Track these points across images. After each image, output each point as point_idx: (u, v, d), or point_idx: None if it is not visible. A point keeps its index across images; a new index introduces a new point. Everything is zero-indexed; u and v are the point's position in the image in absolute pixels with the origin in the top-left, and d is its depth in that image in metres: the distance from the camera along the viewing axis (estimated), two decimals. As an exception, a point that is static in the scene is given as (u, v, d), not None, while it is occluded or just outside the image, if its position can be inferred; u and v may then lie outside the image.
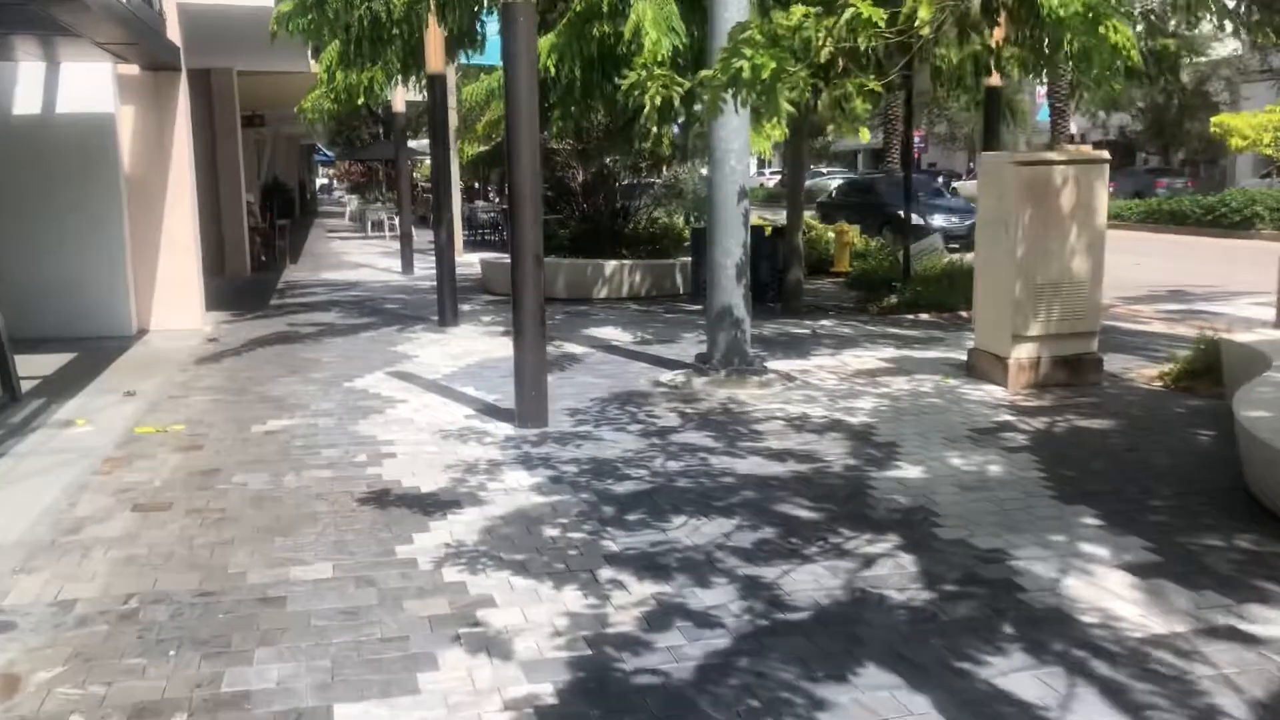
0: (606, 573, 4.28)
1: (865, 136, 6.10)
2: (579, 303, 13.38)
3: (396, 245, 22.93)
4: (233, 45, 14.25)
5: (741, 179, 8.06)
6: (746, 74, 4.26)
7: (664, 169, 15.27)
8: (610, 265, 13.80)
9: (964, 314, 11.74)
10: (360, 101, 11.03)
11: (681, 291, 14.03)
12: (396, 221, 26.12)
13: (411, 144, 29.12)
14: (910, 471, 5.71)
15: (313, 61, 17.67)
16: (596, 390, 7.97)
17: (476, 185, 30.56)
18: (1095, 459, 5.95)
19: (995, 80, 12.52)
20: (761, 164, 64.43)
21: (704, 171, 24.57)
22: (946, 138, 53.63)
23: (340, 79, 11.11)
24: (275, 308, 13.20)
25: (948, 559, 4.40)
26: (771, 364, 8.56)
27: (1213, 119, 24.10)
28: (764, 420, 6.92)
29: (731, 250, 8.08)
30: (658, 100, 4.78)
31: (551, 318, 10.96)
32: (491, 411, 7.26)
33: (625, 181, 15.05)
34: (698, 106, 6.42)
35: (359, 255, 21.66)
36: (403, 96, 17.63)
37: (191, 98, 17.29)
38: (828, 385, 8.01)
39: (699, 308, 12.74)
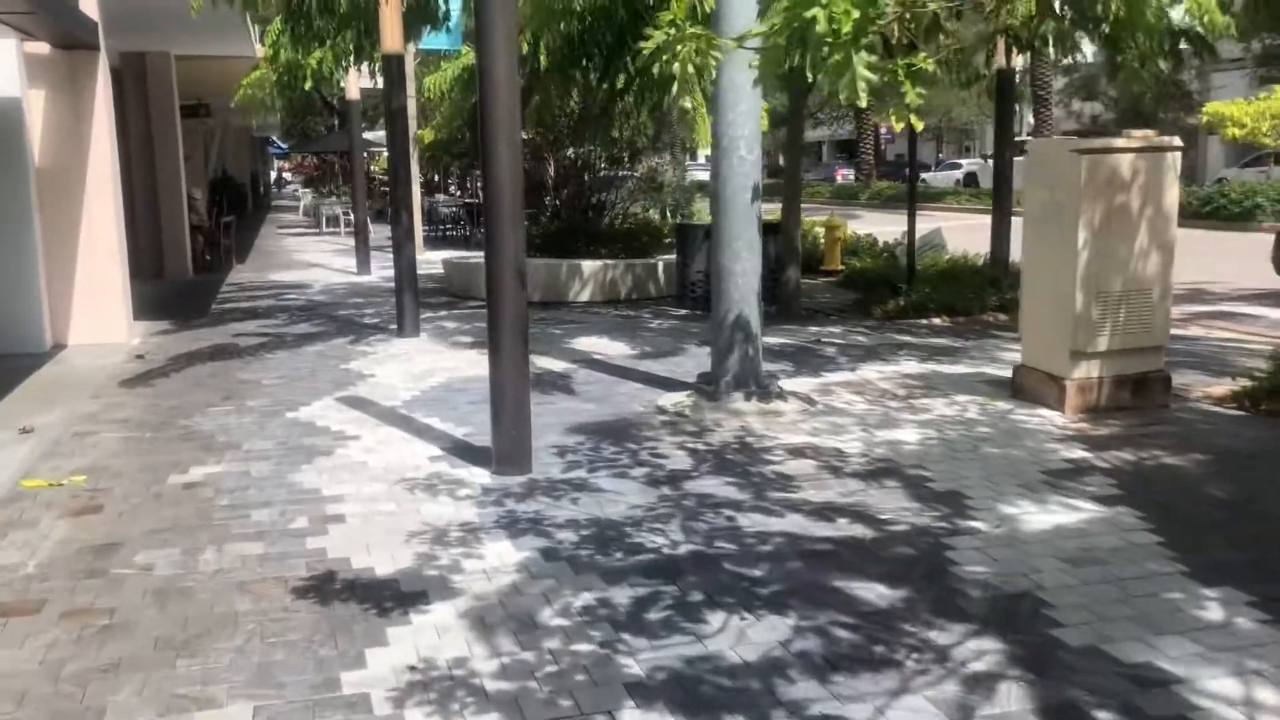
0: (632, 718, 3.10)
1: (918, 124, 5.04)
2: (555, 307, 12.17)
3: (352, 243, 21.61)
4: (165, 25, 12.87)
5: (753, 171, 6.89)
6: (821, 27, 3.08)
7: (639, 160, 14.07)
8: (588, 266, 12.60)
9: (985, 318, 10.68)
10: (308, 85, 9.72)
11: (665, 293, 12.86)
12: (352, 217, 24.80)
13: (367, 135, 27.73)
14: (990, 534, 4.58)
15: (259, 45, 16.31)
16: (585, 418, 6.78)
17: (436, 178, 29.17)
18: (1211, 512, 4.85)
19: (1005, 62, 11.46)
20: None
21: (692, 162, 23.45)
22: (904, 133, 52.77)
23: (284, 56, 9.81)
24: (216, 315, 11.87)
25: (1089, 681, 3.27)
26: (784, 383, 7.41)
27: (1206, 106, 23.28)
28: (792, 458, 5.77)
29: (742, 255, 6.91)
30: (689, 67, 3.60)
31: None
32: (463, 451, 6.05)
33: (601, 174, 13.84)
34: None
35: (312, 253, 20.28)
36: (356, 83, 16.30)
37: (124, 84, 15.92)
38: (855, 410, 6.86)
39: (686, 312, 11.60)
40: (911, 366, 8.28)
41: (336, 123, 38.90)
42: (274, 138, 51.54)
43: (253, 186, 41.34)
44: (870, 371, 8.12)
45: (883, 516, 4.82)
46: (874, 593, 3.95)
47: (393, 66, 9.76)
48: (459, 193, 32.16)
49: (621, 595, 3.95)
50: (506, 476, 5.51)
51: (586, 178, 13.66)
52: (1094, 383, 6.66)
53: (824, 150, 65.99)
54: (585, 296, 12.59)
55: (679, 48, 3.56)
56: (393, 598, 3.96)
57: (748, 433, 6.35)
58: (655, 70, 3.64)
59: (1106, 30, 7.50)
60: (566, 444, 6.17)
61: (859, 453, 5.87)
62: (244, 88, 10.15)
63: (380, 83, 20.77)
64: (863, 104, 3.50)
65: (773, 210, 12.67)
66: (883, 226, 20.86)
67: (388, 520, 4.85)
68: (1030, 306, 7.01)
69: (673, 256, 13.31)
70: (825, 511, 4.89)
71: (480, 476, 5.54)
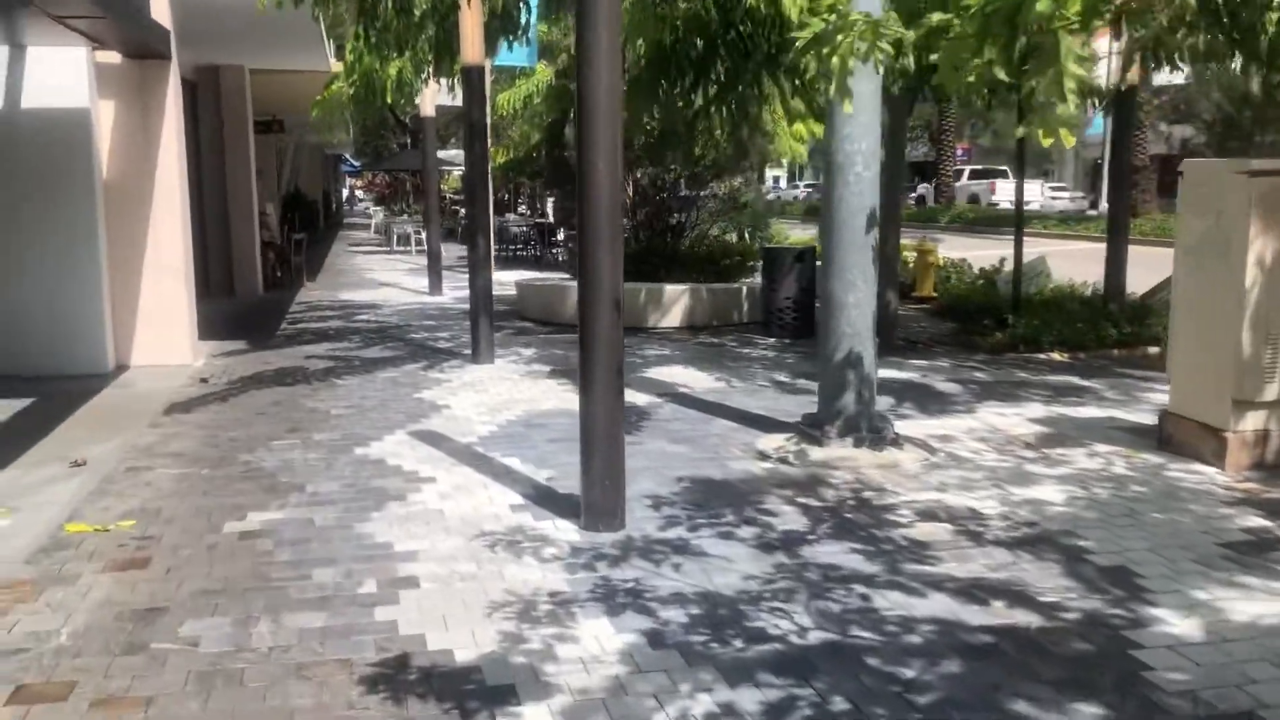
0: None
1: (1070, 140, 4.34)
2: (632, 333, 11.55)
3: (423, 261, 21.24)
4: (239, 36, 12.57)
5: (870, 191, 6.21)
6: (1043, 6, 2.42)
7: (721, 179, 13.41)
8: (669, 290, 11.97)
9: (1106, 354, 9.83)
10: (386, 100, 9.23)
11: (749, 320, 12.18)
12: (424, 236, 24.49)
13: (440, 154, 27.48)
14: (1180, 627, 3.83)
15: (334, 60, 16.01)
16: (678, 463, 6.12)
17: (507, 197, 28.83)
18: None
19: (1132, 76, 10.63)
20: (793, 175, 62.11)
21: (772, 181, 22.68)
22: (991, 150, 51.49)
23: (363, 63, 9.33)
24: (285, 336, 11.45)
25: None
26: (896, 425, 6.69)
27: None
28: (921, 520, 5.05)
29: (856, 284, 6.23)
30: (850, 62, 2.97)
31: None
32: (547, 499, 5.43)
33: (681, 193, 13.22)
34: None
35: (383, 272, 19.94)
36: (433, 99, 15.90)
37: (198, 98, 15.69)
38: (983, 461, 6.12)
39: (773, 340, 10.92)
40: (1036, 409, 7.50)
41: (409, 141, 38.91)
42: (346, 155, 51.95)
43: (325, 203, 41.51)
44: (990, 414, 7.36)
45: (1044, 599, 4.09)
46: (1058, 708, 3.24)
47: (473, 79, 9.25)
48: (529, 212, 31.84)
49: (749, 700, 3.28)
50: (597, 533, 4.87)
51: (665, 197, 13.04)
52: (1261, 436, 5.85)
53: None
54: (665, 322, 11.97)
55: (839, 38, 2.92)
56: (477, 694, 3.33)
57: (865, 486, 5.65)
58: (808, 64, 3.00)
59: (1265, 43, 6.75)
60: (660, 494, 5.52)
61: (998, 514, 5.14)
62: (320, 103, 9.65)
63: (457, 98, 20.48)
64: (1071, 106, 2.82)
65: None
66: (970, 251, 19.94)
67: (467, 586, 4.24)
68: (1183, 347, 6.22)
69: (756, 280, 12.65)
70: (975, 591, 4.17)
71: (568, 532, 4.91)
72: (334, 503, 5.36)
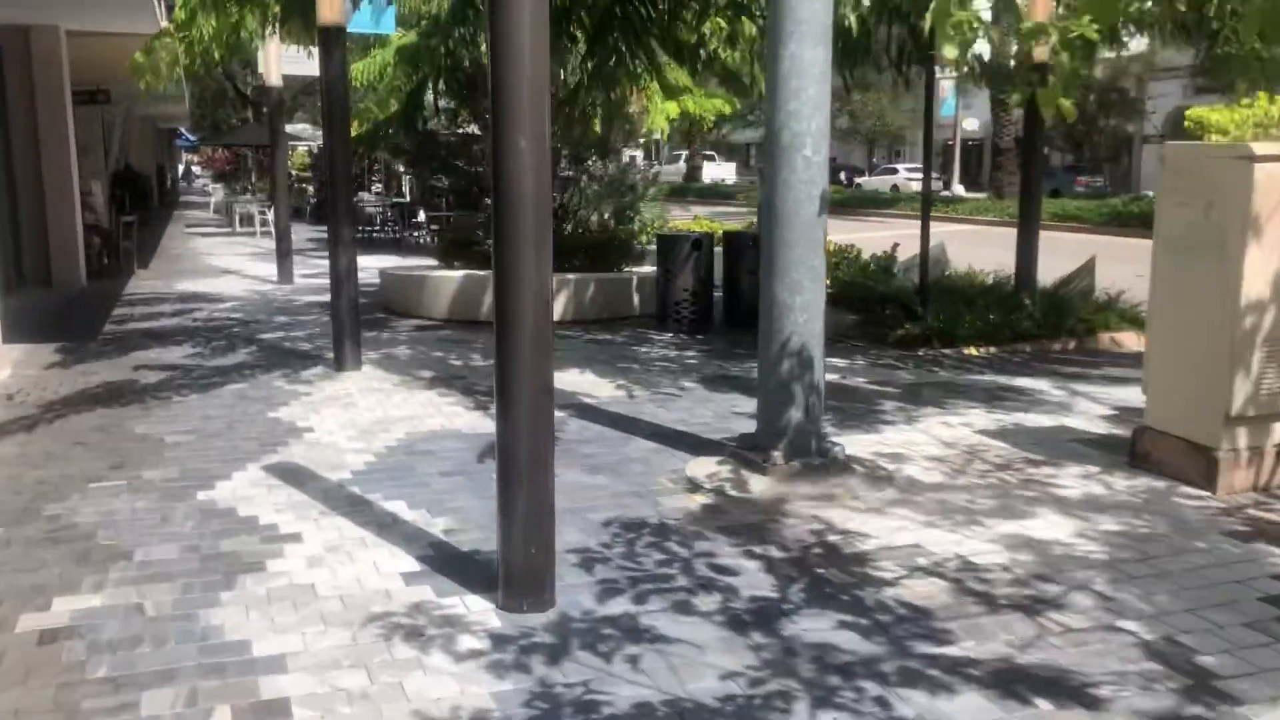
0: None
1: (1070, 113, 3.69)
2: (514, 329, 10.48)
3: (270, 245, 19.54)
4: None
5: (819, 178, 5.31)
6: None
7: (609, 158, 12.37)
8: (555, 280, 10.89)
9: (1021, 348, 9.26)
10: (216, 59, 7.83)
11: (641, 313, 11.23)
12: (269, 216, 22.66)
13: (288, 129, 25.55)
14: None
15: (165, 21, 14.27)
16: (601, 500, 5.13)
17: (359, 174, 27.11)
18: None
19: (1039, 58, 10.05)
20: (649, 153, 60.86)
21: (631, 159, 21.73)
22: (847, 131, 51.78)
23: (203, 25, 7.91)
24: (111, 337, 9.92)
25: None
26: (836, 439, 5.83)
27: (1188, 112, 22.31)
28: (908, 574, 4.19)
29: (804, 286, 5.33)
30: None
31: (478, 351, 7.97)
32: (450, 563, 4.35)
33: (562, 173, 12.15)
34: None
35: (226, 257, 18.21)
36: (278, 66, 14.35)
37: (4, 64, 13.76)
38: (950, 487, 5.32)
39: (670, 336, 10.00)
40: (978, 417, 6.78)
41: (250, 115, 36.48)
42: (182, 130, 48.67)
43: (159, 180, 38.68)
44: (932, 424, 6.60)
45: (1100, 693, 3.27)
46: None
47: (331, 40, 7.96)
48: (384, 191, 30.14)
49: None
50: (523, 614, 3.83)
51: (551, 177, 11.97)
52: (1256, 453, 5.22)
53: (750, 152, 64.81)
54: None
55: None
56: None
57: (828, 527, 4.76)
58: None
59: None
60: (588, 545, 4.52)
61: (997, 565, 4.32)
62: (141, 65, 8.13)
63: (304, 66, 18.80)
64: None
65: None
66: (846, 235, 19.48)
67: (359, 712, 3.15)
68: (1163, 355, 5.54)
69: (648, 270, 11.70)
70: (1012, 684, 3.32)
71: (484, 613, 3.85)
72: (170, 577, 4.15)
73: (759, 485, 5.25)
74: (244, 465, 5.69)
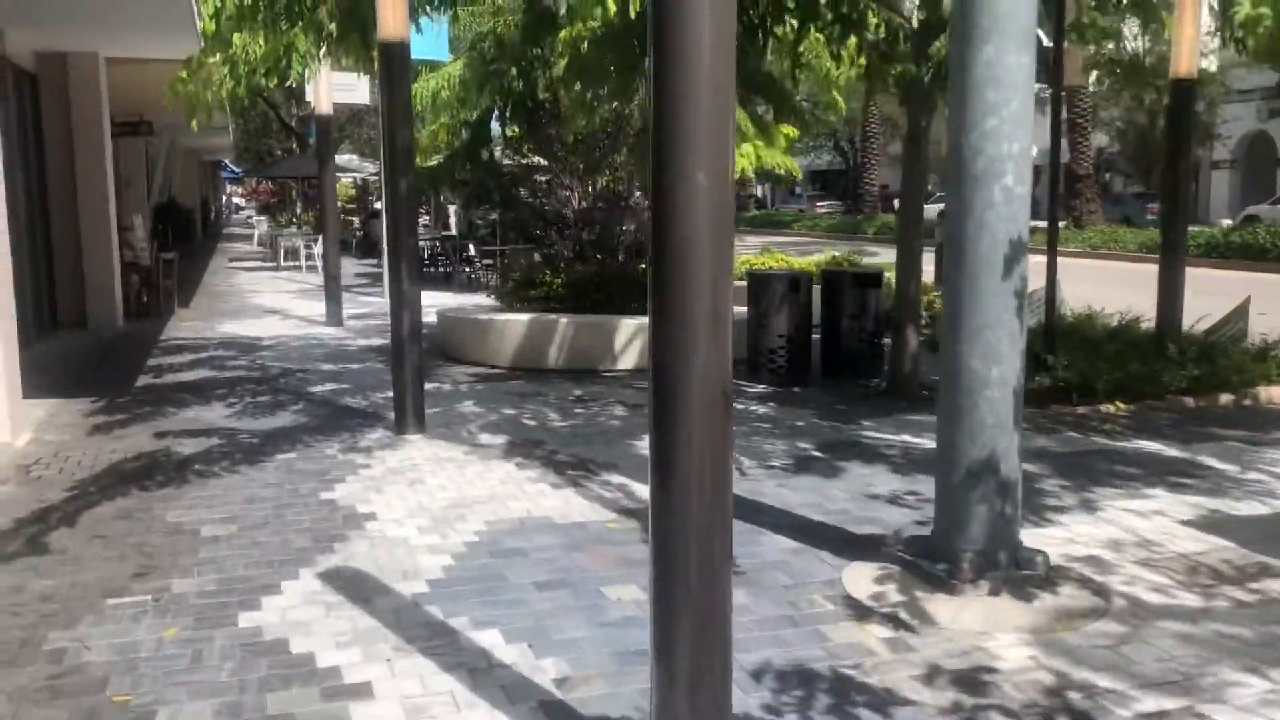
0: None
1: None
2: (585, 377, 9.41)
3: (316, 280, 18.73)
4: (91, 15, 10.08)
5: (1021, 214, 4.20)
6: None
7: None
8: (628, 324, 9.84)
9: (1173, 403, 8.06)
10: (267, 83, 6.84)
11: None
12: (315, 250, 21.85)
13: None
14: None
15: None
16: (747, 629, 3.99)
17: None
18: None
19: (1186, 69, 8.90)
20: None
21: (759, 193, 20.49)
22: (895, 157, 50.49)
23: (249, 46, 6.95)
24: (145, 390, 8.97)
25: None
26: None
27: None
28: (1204, 766, 3.04)
29: (1001, 352, 4.21)
30: None
31: (552, 407, 7.09)
32: (571, 734, 3.26)
33: (636, 204, 11.11)
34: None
35: (270, 295, 17.34)
36: (328, 92, 13.48)
37: (40, 93, 12.99)
38: (1198, 613, 4.16)
39: (764, 388, 8.89)
40: (1168, 501, 5.60)
41: (295, 146, 35.99)
42: (227, 162, 48.44)
43: (203, 213, 38.26)
44: (1118, 512, 5.43)
45: None
46: None
47: (394, 56, 6.98)
48: (431, 223, 29.34)
49: None
50: (690, 836, 2.72)
51: (628, 208, 10.91)
52: None
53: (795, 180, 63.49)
54: (624, 364, 9.85)
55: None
56: None
57: (1063, 681, 3.61)
58: None
59: None
60: (750, 711, 3.40)
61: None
62: (182, 88, 7.15)
63: (349, 96, 18.00)
64: None
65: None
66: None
67: None
68: None
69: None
70: None
71: (632, 831, 2.75)
72: (203, 762, 3.10)
73: (948, 610, 4.11)
74: (295, 570, 4.64)
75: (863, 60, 8.94)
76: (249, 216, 42.51)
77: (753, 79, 10.28)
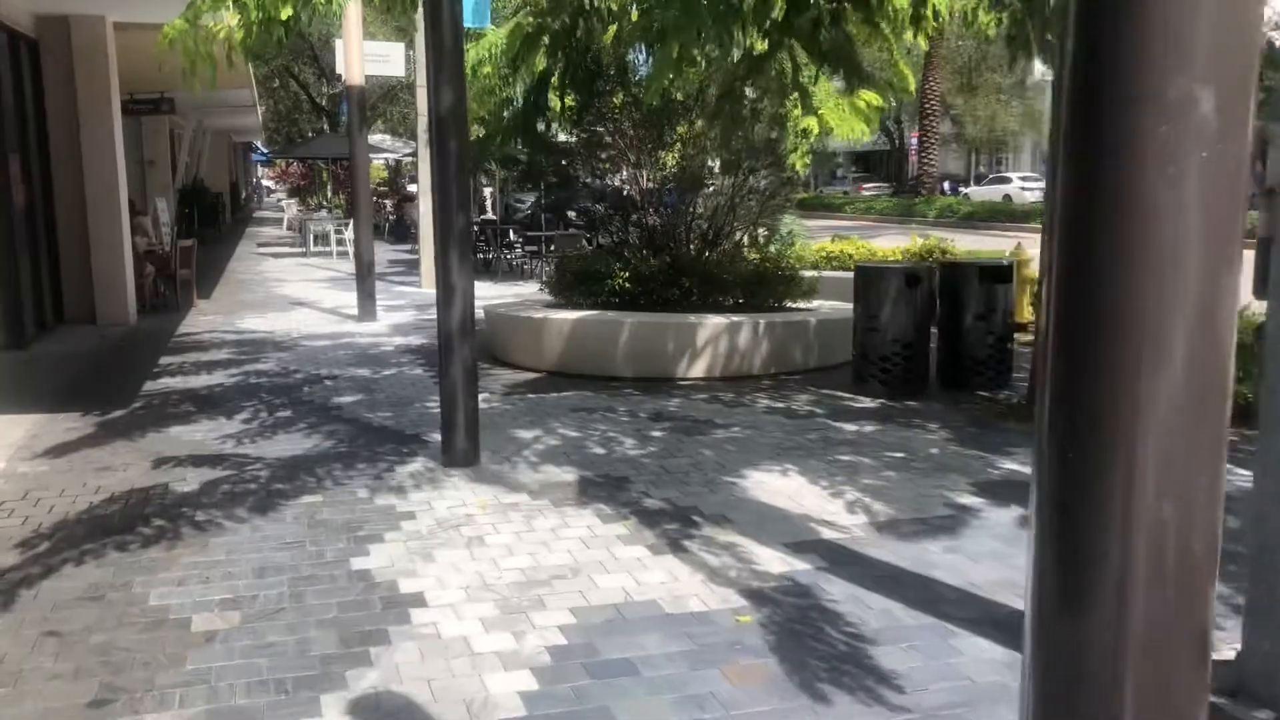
0: None
1: None
2: (657, 387, 8.03)
3: (347, 268, 17.49)
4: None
5: None
6: None
7: (774, 163, 9.77)
8: (708, 324, 8.44)
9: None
10: (285, 14, 5.42)
11: (815, 364, 8.72)
12: (346, 235, 20.58)
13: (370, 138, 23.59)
14: None
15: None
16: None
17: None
18: None
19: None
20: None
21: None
22: (951, 138, 48.57)
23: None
24: (147, 403, 7.67)
25: None
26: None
27: None
28: None
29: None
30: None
31: (625, 424, 5.89)
32: None
33: (710, 188, 9.68)
34: None
35: (297, 284, 16.06)
36: (359, 60, 12.11)
37: (40, 61, 11.71)
38: None
39: (873, 402, 7.46)
40: None
41: (326, 126, 34.79)
42: (258, 144, 47.34)
43: (232, 196, 37.15)
44: None
45: None
46: None
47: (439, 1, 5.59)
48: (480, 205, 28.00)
49: None
50: None
51: (704, 194, 9.45)
52: None
53: (836, 160, 61.68)
54: (699, 370, 8.45)
55: None
56: None
57: None
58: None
59: None
60: None
61: None
62: (172, 38, 5.73)
63: (382, 68, 16.62)
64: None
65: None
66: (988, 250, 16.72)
67: None
68: None
69: (826, 310, 9.18)
70: None
71: None
72: None
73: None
74: (316, 700, 3.28)
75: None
76: (280, 200, 41.41)
77: (822, 45, 8.81)
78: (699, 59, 6.15)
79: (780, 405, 7.51)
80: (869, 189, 47.09)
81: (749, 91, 7.72)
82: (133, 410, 7.39)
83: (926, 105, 31.30)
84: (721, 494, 5.38)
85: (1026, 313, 10.56)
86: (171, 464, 6.06)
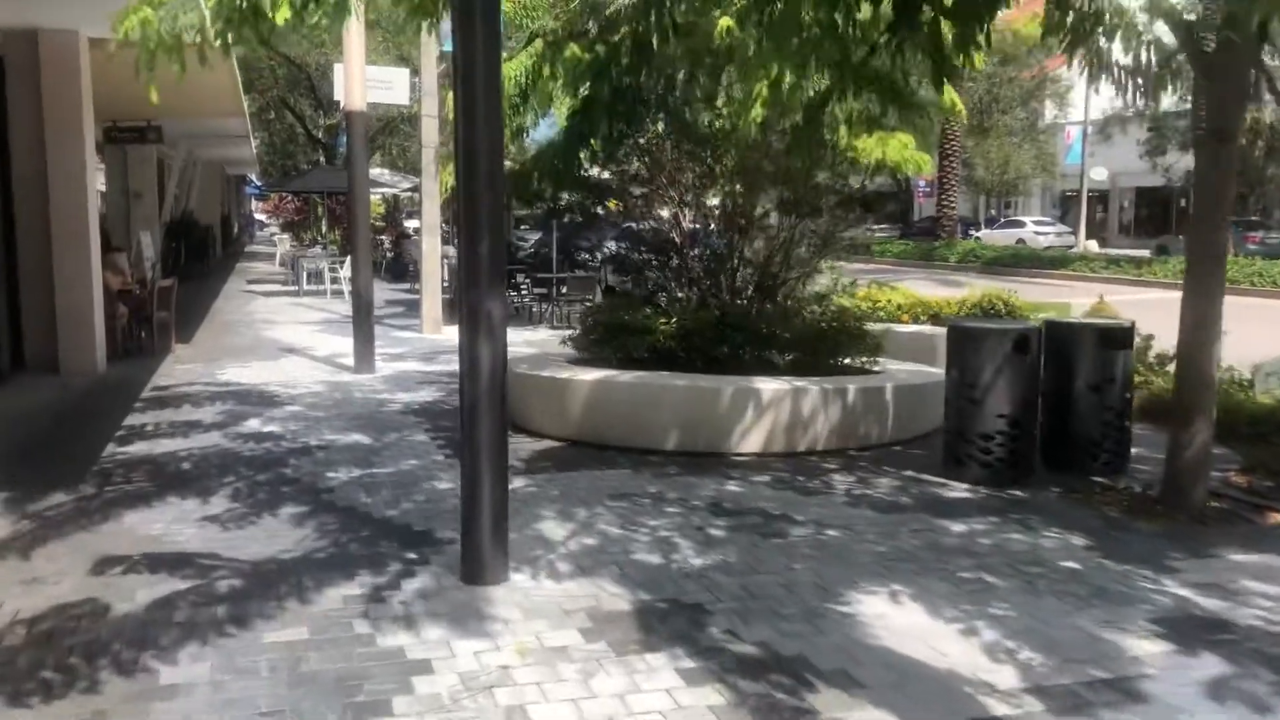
0: None
1: None
2: (708, 464, 6.76)
3: (343, 309, 16.26)
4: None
5: None
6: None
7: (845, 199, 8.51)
8: (767, 389, 7.19)
9: None
10: (279, 17, 4.20)
11: (891, 440, 7.46)
12: (341, 273, 19.35)
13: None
14: None
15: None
16: None
17: (447, 224, 23.69)
18: None
19: None
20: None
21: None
22: (963, 180, 47.58)
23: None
24: (102, 478, 6.39)
25: None
26: None
27: None
28: None
29: None
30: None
31: (685, 515, 4.42)
32: None
33: (760, 223, 8.45)
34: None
35: (289, 326, 14.79)
36: (361, 84, 10.93)
37: (6, 79, 10.56)
38: None
39: (975, 491, 6.19)
40: None
41: (322, 158, 33.68)
42: (251, 176, 46.25)
43: (223, 230, 35.97)
44: None
45: None
46: None
47: (475, -10, 4.38)
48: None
49: None
50: None
51: (775, 235, 8.20)
52: None
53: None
54: (755, 443, 7.18)
55: None
56: None
57: None
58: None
59: None
60: None
61: None
62: (129, 32, 4.58)
63: (381, 95, 15.44)
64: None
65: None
66: (1051, 304, 15.58)
67: None
68: None
69: (884, 368, 7.95)
70: None
71: None
72: None
73: None
74: None
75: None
76: (273, 234, 40.24)
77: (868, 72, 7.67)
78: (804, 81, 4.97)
79: (862, 493, 6.24)
80: (878, 231, 46.04)
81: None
82: (81, 492, 6.08)
83: (946, 145, 30.30)
84: (834, 634, 4.09)
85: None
86: (118, 569, 4.77)
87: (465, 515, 4.71)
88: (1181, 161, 34.14)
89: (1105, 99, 37.89)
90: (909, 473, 6.71)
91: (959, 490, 6.30)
